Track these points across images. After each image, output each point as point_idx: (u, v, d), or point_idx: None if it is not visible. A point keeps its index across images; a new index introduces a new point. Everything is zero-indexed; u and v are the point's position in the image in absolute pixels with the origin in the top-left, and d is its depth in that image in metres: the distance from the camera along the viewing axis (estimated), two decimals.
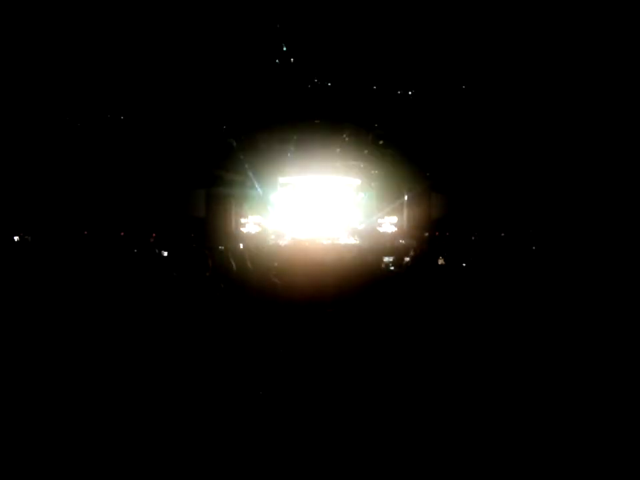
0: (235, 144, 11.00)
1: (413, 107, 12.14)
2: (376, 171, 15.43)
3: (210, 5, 8.54)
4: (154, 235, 12.54)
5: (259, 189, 16.00)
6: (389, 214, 15.98)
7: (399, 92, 11.33)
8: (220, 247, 6.75)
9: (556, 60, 9.06)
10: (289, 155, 14.83)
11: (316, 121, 13.39)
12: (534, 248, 8.33)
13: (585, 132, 10.76)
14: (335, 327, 4.36)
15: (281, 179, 15.94)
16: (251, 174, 15.44)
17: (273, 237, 14.33)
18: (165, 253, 7.21)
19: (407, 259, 6.74)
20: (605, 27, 7.94)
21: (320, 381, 3.36)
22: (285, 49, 9.54)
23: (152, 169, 14.19)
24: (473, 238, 12.87)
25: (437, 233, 13.47)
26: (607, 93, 9.58)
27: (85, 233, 12.69)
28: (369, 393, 3.14)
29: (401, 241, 13.05)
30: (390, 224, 15.87)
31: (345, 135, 14.02)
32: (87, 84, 10.45)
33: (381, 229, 15.72)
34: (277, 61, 9.94)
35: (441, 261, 6.23)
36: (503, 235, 13.14)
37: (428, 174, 15.26)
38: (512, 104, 10.91)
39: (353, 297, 5.29)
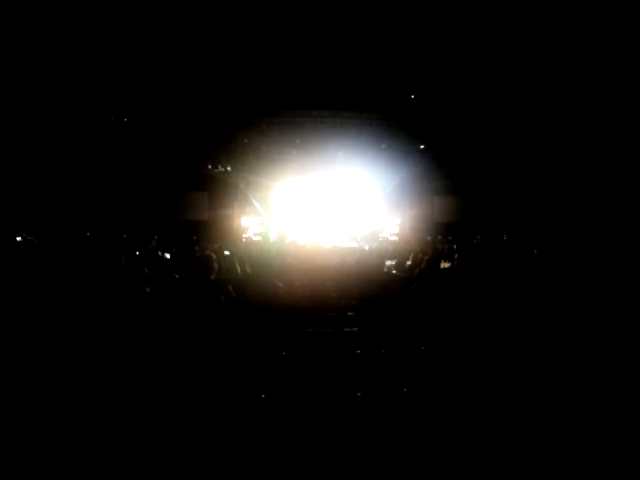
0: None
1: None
2: (379, 175, 15.44)
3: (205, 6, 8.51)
4: (156, 237, 12.57)
5: (262, 192, 16.03)
6: (392, 217, 16.00)
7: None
8: (225, 251, 6.77)
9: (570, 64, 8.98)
10: (292, 157, 14.86)
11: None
12: (536, 251, 8.32)
13: (592, 135, 10.71)
14: (337, 331, 4.36)
15: (285, 182, 15.97)
16: (254, 176, 15.47)
17: (276, 239, 14.36)
18: (168, 256, 7.21)
19: (409, 262, 6.74)
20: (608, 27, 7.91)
21: (320, 386, 3.36)
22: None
23: (154, 171, 14.22)
24: (474, 241, 12.87)
25: (439, 237, 13.48)
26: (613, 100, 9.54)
27: (88, 234, 12.72)
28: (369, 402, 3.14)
29: (402, 244, 13.06)
30: (392, 227, 15.88)
31: (349, 138, 14.04)
32: (90, 86, 10.47)
33: (384, 232, 15.74)
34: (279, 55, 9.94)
35: (443, 265, 6.22)
36: (505, 237, 13.14)
37: (431, 178, 15.29)
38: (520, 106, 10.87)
39: (355, 300, 5.29)
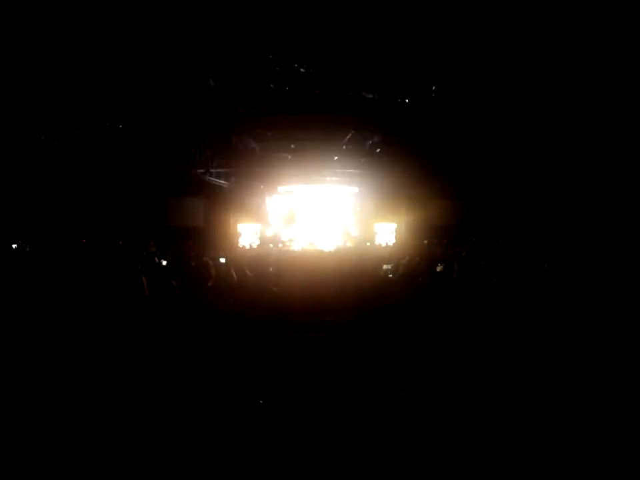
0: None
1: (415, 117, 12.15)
2: (375, 179, 15.48)
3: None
4: (152, 243, 12.55)
5: (258, 198, 16.04)
6: (388, 221, 16.03)
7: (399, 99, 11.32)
8: (221, 258, 6.76)
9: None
10: (287, 162, 14.88)
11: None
12: (531, 253, 8.36)
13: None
14: (333, 337, 4.36)
15: (280, 187, 15.99)
16: (249, 183, 15.48)
17: (271, 245, 14.35)
18: (164, 262, 7.21)
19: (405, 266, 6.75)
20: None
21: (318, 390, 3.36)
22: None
23: (150, 177, 14.20)
24: (471, 242, 12.90)
25: (435, 240, 13.51)
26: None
27: (84, 241, 12.70)
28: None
29: (399, 247, 13.09)
30: (389, 231, 15.92)
31: (343, 143, 14.06)
32: (85, 91, 10.44)
33: (380, 236, 15.77)
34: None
35: (439, 268, 6.25)
36: (500, 240, 13.17)
37: (427, 181, 15.30)
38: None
39: (352, 304, 5.29)
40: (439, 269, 6.14)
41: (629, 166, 10.66)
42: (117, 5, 7.88)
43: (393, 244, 15.21)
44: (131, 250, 10.23)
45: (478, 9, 8.03)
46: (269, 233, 15.64)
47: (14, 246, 11.57)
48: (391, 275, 6.41)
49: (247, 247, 14.59)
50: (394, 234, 15.85)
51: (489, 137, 12.68)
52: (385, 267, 6.92)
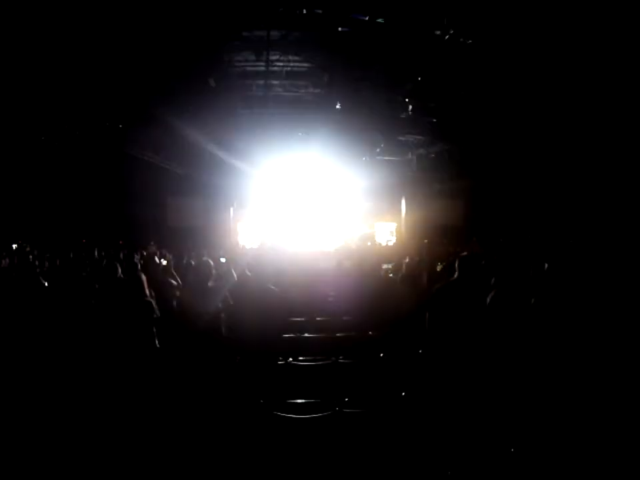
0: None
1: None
2: (375, 178, 15.49)
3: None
4: (152, 243, 12.55)
5: (257, 198, 16.02)
6: (389, 221, 16.05)
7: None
8: (221, 258, 6.77)
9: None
10: (287, 161, 14.88)
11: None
12: (532, 253, 8.35)
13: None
14: (332, 336, 4.37)
15: (280, 187, 15.97)
16: (249, 182, 15.46)
17: (271, 244, 14.33)
18: (164, 262, 7.19)
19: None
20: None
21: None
22: None
23: (149, 177, 14.20)
24: (471, 242, 12.89)
25: (435, 240, 13.50)
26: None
27: (84, 241, 12.70)
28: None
29: (399, 247, 13.09)
30: (388, 231, 15.93)
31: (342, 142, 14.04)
32: (85, 91, 10.43)
33: (380, 236, 15.78)
34: None
35: (439, 268, 6.25)
36: (501, 240, 13.17)
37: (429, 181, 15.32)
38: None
39: (352, 304, 5.30)
40: (439, 268, 6.14)
41: (629, 166, 10.63)
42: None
43: (393, 244, 15.21)
44: (130, 249, 10.23)
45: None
46: (268, 233, 15.63)
47: (14, 246, 11.57)
48: (391, 275, 6.41)
49: (247, 247, 14.58)
50: (394, 234, 15.86)
51: (490, 137, 12.67)
52: (385, 266, 6.92)
